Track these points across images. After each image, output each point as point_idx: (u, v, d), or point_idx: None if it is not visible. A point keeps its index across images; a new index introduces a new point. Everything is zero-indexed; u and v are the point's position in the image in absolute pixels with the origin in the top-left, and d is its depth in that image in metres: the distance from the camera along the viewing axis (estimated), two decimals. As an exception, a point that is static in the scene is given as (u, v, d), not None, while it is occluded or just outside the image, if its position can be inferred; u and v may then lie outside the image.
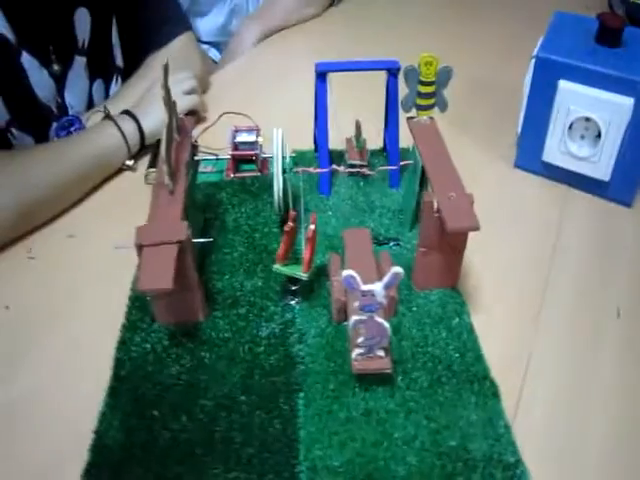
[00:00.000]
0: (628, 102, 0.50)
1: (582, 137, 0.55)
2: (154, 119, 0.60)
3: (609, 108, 0.51)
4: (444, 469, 0.36)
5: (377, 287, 0.35)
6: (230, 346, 0.43)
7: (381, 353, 0.39)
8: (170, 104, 0.41)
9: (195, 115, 0.65)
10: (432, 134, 0.48)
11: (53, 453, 0.38)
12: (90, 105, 0.66)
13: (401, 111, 0.50)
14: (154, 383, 0.41)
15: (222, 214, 0.54)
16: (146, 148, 0.61)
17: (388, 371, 0.39)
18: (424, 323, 0.45)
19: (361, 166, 0.55)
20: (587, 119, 0.53)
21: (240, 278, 0.48)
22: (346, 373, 0.41)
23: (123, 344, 0.43)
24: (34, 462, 0.37)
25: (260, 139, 0.57)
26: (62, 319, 0.46)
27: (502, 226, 0.53)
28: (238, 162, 0.58)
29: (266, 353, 0.43)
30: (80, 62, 0.63)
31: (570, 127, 0.55)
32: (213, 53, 0.98)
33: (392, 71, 0.51)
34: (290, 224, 0.42)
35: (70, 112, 0.63)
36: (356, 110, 0.57)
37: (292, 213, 0.42)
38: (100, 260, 0.50)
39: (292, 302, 0.46)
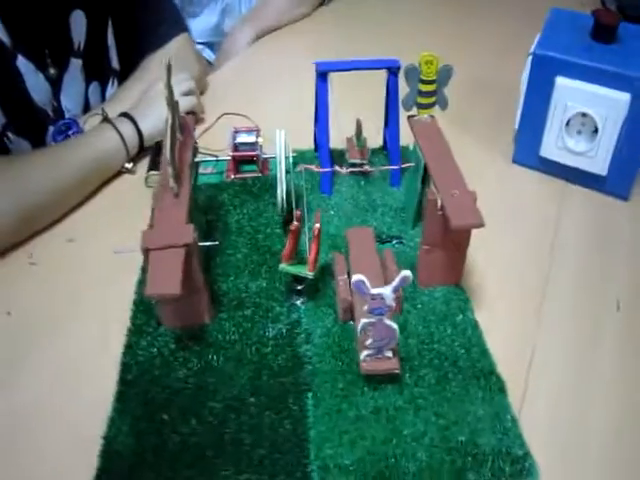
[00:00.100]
0: (624, 97, 0.51)
1: (579, 132, 0.56)
2: (152, 121, 0.59)
3: (606, 104, 0.52)
4: (454, 464, 0.37)
5: (386, 290, 0.36)
6: (237, 348, 0.43)
7: (389, 354, 0.39)
8: (173, 104, 0.41)
9: (193, 116, 0.64)
10: (433, 132, 0.48)
11: (61, 460, 0.37)
12: (86, 108, 0.66)
13: (401, 109, 0.51)
14: (162, 387, 0.41)
15: (224, 216, 0.54)
16: (145, 150, 0.61)
17: (396, 371, 0.39)
18: (429, 320, 0.45)
19: (362, 165, 0.55)
20: (584, 115, 0.54)
21: (245, 279, 0.48)
22: (354, 372, 0.41)
23: (129, 348, 0.43)
24: (42, 470, 0.37)
25: (260, 139, 0.57)
26: (64, 324, 0.45)
27: (502, 222, 0.53)
28: (238, 163, 0.58)
29: (273, 354, 0.43)
30: (76, 65, 0.62)
31: (567, 123, 0.55)
32: (207, 53, 0.98)
33: (392, 70, 0.51)
34: (296, 223, 0.42)
35: (66, 115, 0.63)
36: (355, 109, 0.57)
37: (297, 212, 0.42)
38: (102, 264, 0.50)
39: (298, 302, 0.46)
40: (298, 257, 0.46)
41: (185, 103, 0.63)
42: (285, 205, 0.49)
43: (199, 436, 0.38)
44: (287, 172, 0.47)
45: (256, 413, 0.39)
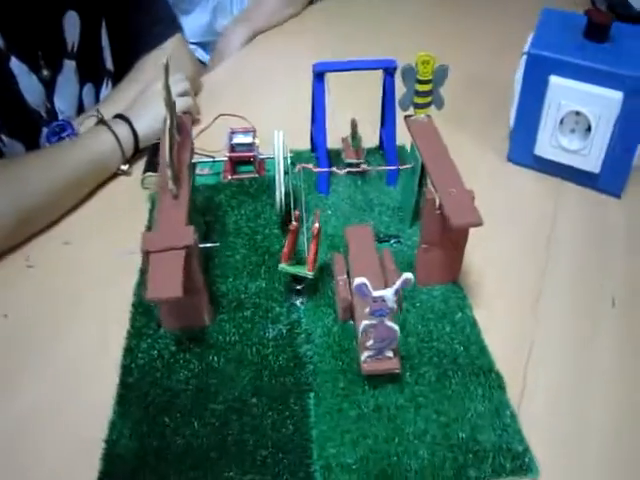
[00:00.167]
0: (617, 96, 0.52)
1: (572, 131, 0.57)
2: (148, 122, 0.59)
3: (599, 102, 0.53)
4: (456, 461, 0.37)
5: (388, 293, 0.36)
6: (238, 349, 0.43)
7: (390, 354, 0.39)
8: (171, 104, 0.41)
9: (189, 117, 0.64)
10: (430, 132, 0.48)
11: (62, 464, 0.37)
12: (80, 110, 0.65)
13: (397, 109, 0.51)
14: (163, 389, 0.41)
15: (222, 217, 0.54)
16: (140, 152, 0.61)
17: (397, 371, 0.40)
18: (428, 319, 0.45)
19: (358, 164, 0.56)
20: (577, 113, 0.55)
21: (244, 280, 0.48)
22: (355, 371, 0.41)
23: (129, 351, 0.43)
24: (43, 474, 0.37)
25: (257, 140, 0.57)
26: (63, 327, 0.45)
27: (498, 220, 0.54)
28: (235, 164, 0.58)
29: (274, 354, 0.43)
30: (70, 66, 0.62)
31: (561, 121, 0.56)
32: (200, 53, 0.97)
33: (389, 70, 0.52)
34: (295, 223, 0.42)
35: (60, 117, 0.62)
36: (351, 109, 0.58)
37: (297, 212, 0.42)
38: (99, 266, 0.50)
39: (297, 302, 0.46)
40: (296, 257, 0.46)
41: (181, 104, 0.63)
42: (284, 206, 0.49)
43: (202, 438, 0.38)
44: (285, 173, 0.47)
45: (258, 414, 0.39)
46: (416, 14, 0.94)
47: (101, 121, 0.58)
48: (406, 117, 0.50)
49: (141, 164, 0.60)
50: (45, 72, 0.59)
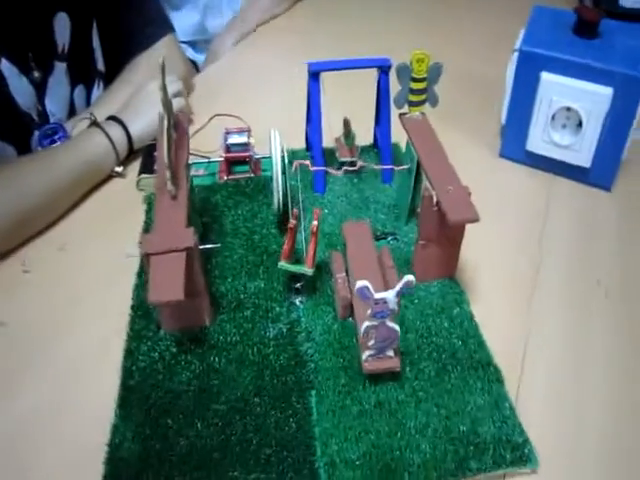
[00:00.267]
0: (607, 92, 0.53)
1: (564, 126, 0.57)
2: (141, 124, 0.59)
3: (590, 98, 0.54)
4: (457, 454, 0.38)
5: (389, 295, 0.36)
6: (239, 349, 0.43)
7: (390, 353, 0.40)
8: (168, 104, 0.41)
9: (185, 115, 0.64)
10: (425, 129, 0.49)
11: (65, 469, 0.37)
12: (72, 111, 0.65)
13: (391, 107, 0.51)
14: (165, 391, 0.41)
15: (219, 217, 0.54)
16: (134, 154, 0.60)
17: (397, 370, 0.40)
18: (426, 314, 0.46)
19: (353, 163, 0.56)
20: (568, 109, 0.56)
21: (243, 280, 0.48)
22: (355, 368, 0.42)
23: (130, 354, 0.43)
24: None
25: (252, 140, 0.57)
26: (62, 332, 0.45)
27: (492, 215, 0.54)
28: (231, 164, 0.58)
29: (275, 354, 0.43)
30: (60, 68, 0.61)
31: (552, 117, 0.57)
32: (190, 53, 0.97)
33: (384, 69, 0.52)
34: (293, 221, 0.42)
35: (51, 119, 0.62)
36: (343, 108, 0.58)
37: (295, 211, 0.42)
38: (96, 269, 0.50)
39: (297, 301, 0.47)
40: (294, 257, 0.46)
41: (174, 105, 0.62)
42: (281, 205, 0.49)
43: (205, 439, 0.38)
44: (282, 172, 0.47)
45: (261, 413, 0.40)
46: (408, 12, 0.94)
47: (94, 123, 0.58)
48: (401, 115, 0.51)
49: (135, 166, 0.60)
50: (36, 74, 0.58)
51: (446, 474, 0.36)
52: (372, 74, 0.54)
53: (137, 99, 0.60)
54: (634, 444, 0.39)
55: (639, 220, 0.56)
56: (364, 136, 0.60)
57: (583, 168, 0.58)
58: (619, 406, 0.41)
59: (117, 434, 0.38)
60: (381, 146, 0.57)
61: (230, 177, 0.58)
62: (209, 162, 0.58)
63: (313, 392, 0.41)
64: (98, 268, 0.50)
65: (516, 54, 0.56)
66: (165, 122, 0.40)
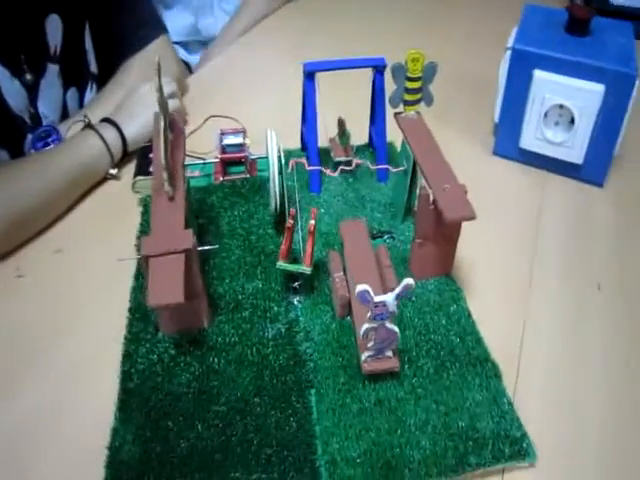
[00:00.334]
0: (599, 89, 0.53)
1: (556, 123, 0.58)
2: (135, 126, 0.59)
3: (582, 95, 0.54)
4: (457, 450, 0.38)
5: (389, 298, 0.36)
6: (238, 350, 0.43)
7: (389, 354, 0.40)
8: (164, 105, 0.41)
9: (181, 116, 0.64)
10: (420, 128, 0.49)
11: (66, 472, 0.37)
12: (64, 114, 0.64)
13: (386, 107, 0.52)
14: (165, 393, 0.41)
15: (215, 218, 0.54)
16: (128, 156, 0.60)
17: (396, 370, 0.40)
18: (424, 312, 0.46)
19: (349, 162, 0.56)
20: (561, 106, 0.56)
21: (240, 281, 0.48)
22: (354, 366, 0.42)
23: (128, 357, 0.43)
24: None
25: (247, 140, 0.57)
26: (59, 336, 0.45)
27: (487, 213, 0.54)
28: (226, 165, 0.58)
29: (274, 354, 0.43)
30: (53, 70, 0.61)
31: (545, 114, 0.57)
32: (182, 53, 0.96)
33: (378, 68, 0.52)
34: (291, 221, 0.42)
35: (44, 122, 0.62)
36: (338, 108, 0.58)
37: (293, 211, 0.42)
38: (92, 273, 0.50)
39: (295, 301, 0.47)
40: (291, 257, 0.46)
41: (169, 106, 0.62)
42: (279, 205, 0.49)
43: (205, 440, 0.38)
44: (279, 173, 0.47)
45: (261, 413, 0.40)
46: (402, 12, 0.94)
47: (88, 125, 0.57)
48: (396, 114, 0.51)
49: (130, 168, 0.60)
50: (28, 76, 0.58)
51: (446, 470, 0.37)
52: (367, 74, 0.54)
53: (130, 101, 0.60)
54: (631, 436, 0.39)
55: (632, 215, 0.57)
56: (359, 135, 0.60)
57: (576, 165, 0.59)
58: (616, 400, 0.41)
59: (117, 437, 0.38)
60: (376, 145, 0.57)
61: (226, 178, 0.58)
62: (204, 163, 0.58)
63: (313, 391, 0.41)
64: (95, 271, 0.50)
65: (509, 52, 0.57)
66: (162, 123, 0.40)
